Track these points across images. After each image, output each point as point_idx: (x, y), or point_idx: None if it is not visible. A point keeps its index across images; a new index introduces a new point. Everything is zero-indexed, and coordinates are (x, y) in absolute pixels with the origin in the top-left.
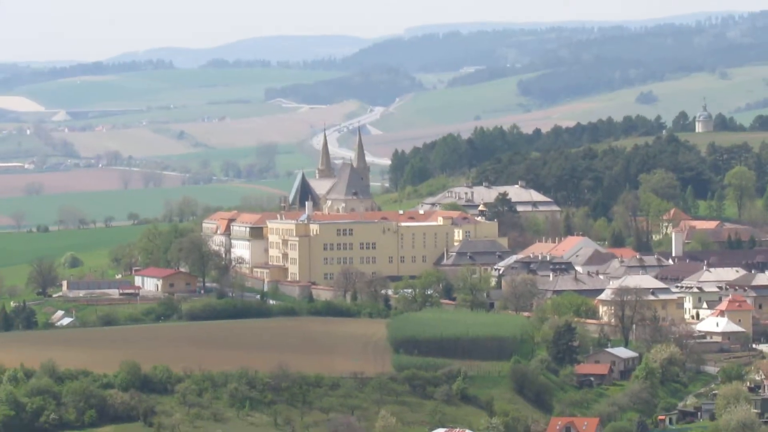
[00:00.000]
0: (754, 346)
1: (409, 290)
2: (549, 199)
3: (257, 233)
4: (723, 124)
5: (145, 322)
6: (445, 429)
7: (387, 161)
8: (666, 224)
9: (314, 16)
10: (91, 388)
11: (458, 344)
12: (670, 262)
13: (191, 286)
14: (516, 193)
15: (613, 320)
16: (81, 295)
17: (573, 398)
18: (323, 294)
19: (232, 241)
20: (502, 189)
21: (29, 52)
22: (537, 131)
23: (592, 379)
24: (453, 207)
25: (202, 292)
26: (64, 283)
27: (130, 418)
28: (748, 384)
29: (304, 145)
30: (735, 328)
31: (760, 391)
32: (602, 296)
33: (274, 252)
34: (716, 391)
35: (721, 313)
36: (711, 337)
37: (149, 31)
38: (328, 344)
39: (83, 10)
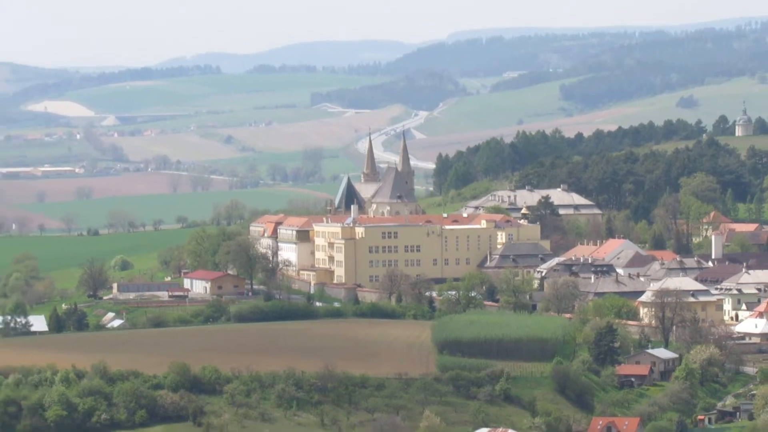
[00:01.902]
0: None
1: (453, 292)
2: (591, 203)
3: (303, 236)
4: (763, 127)
5: (194, 324)
6: (488, 429)
7: (431, 165)
8: (706, 227)
9: (359, 21)
10: (141, 389)
11: (501, 345)
12: (710, 264)
13: (239, 289)
14: (558, 196)
15: (653, 322)
16: (131, 297)
17: (614, 398)
18: (368, 296)
19: (279, 243)
20: (544, 192)
21: (78, 58)
22: (579, 135)
23: (632, 379)
24: (496, 210)
25: (250, 294)
26: (115, 285)
27: (180, 418)
28: None
29: (350, 149)
30: None
31: None
32: (643, 298)
33: (320, 255)
34: (755, 392)
35: (760, 315)
36: (750, 338)
37: (197, 36)
38: (373, 346)
39: (132, 16)
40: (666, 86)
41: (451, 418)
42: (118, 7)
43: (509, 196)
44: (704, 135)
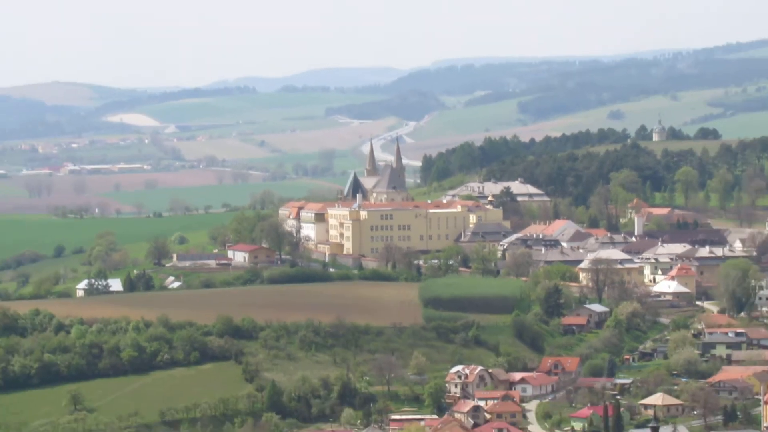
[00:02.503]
0: (697, 303)
1: (436, 261)
2: (541, 192)
3: (320, 218)
4: (674, 134)
5: (236, 285)
6: (462, 366)
7: (418, 163)
8: (630, 210)
9: (363, 51)
10: (195, 335)
11: (472, 302)
12: (633, 239)
13: (270, 258)
14: (516, 187)
15: (590, 283)
16: (187, 264)
17: (559, 342)
18: (370, 264)
19: (301, 223)
20: (506, 184)
21: (145, 79)
22: (532, 140)
23: (574, 328)
24: (468, 198)
25: (279, 262)
26: (174, 255)
27: (225, 358)
28: (692, 332)
29: (355, 151)
30: (682, 289)
31: (701, 337)
32: (582, 265)
33: (333, 232)
34: (668, 337)
35: (672, 278)
36: (664, 296)
37: (237, 62)
38: (374, 302)
39: (185, 44)
40: (599, 102)
41: (434, 358)
42: (174, 36)
43: (478, 187)
44: (628, 140)
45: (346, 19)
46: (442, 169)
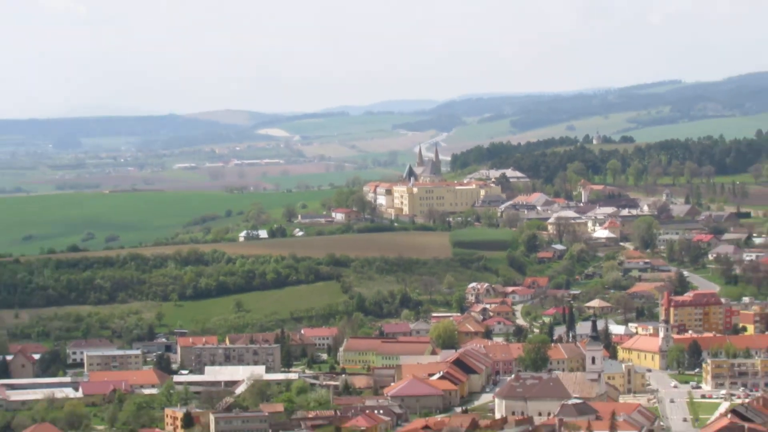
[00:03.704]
0: (620, 243)
1: (460, 218)
2: (524, 175)
3: (389, 192)
4: (605, 140)
5: (336, 233)
6: (476, 282)
7: (449, 158)
8: (579, 187)
9: (414, 89)
10: (311, 264)
11: (483, 243)
12: (581, 204)
13: (358, 217)
14: (509, 173)
15: (554, 232)
16: (307, 221)
17: (536, 268)
18: (419, 220)
19: (377, 195)
20: (502, 171)
21: (282, 106)
22: (519, 144)
23: (545, 259)
24: (479, 179)
25: (363, 219)
26: (299, 215)
27: (330, 278)
28: (617, 261)
29: (410, 151)
30: (611, 235)
31: (622, 264)
32: (549, 221)
33: (396, 201)
34: (602, 265)
35: (605, 228)
36: (600, 240)
37: (336, 94)
38: (422, 244)
39: (306, 83)
40: (560, 120)
41: (459, 278)
42: (300, 76)
43: (486, 174)
44: (578, 143)
45: (403, 66)
46: (463, 162)
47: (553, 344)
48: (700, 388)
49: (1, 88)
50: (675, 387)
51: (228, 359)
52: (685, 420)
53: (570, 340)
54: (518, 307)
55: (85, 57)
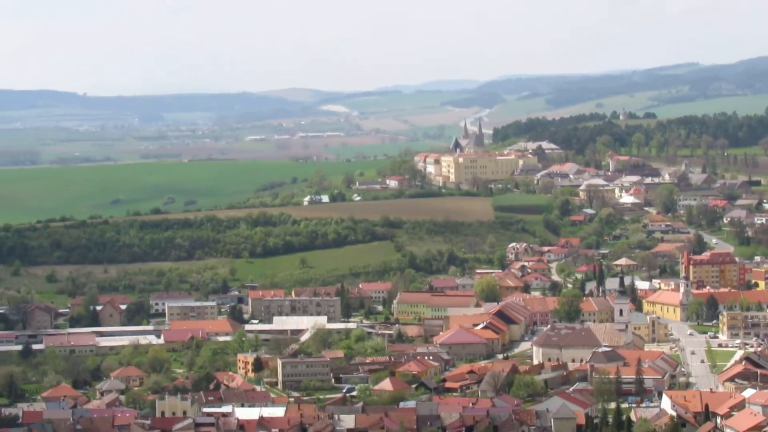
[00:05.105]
0: (645, 208)
1: (500, 185)
2: (558, 147)
3: (437, 161)
4: (630, 116)
5: (390, 198)
6: (515, 242)
7: (491, 132)
8: (607, 158)
9: (461, 69)
10: (368, 226)
11: (521, 207)
12: (609, 173)
13: (410, 183)
14: (545, 145)
15: (585, 198)
16: (364, 187)
17: (569, 230)
18: (464, 186)
19: (426, 165)
20: (539, 143)
21: (343, 84)
22: (554, 119)
23: (577, 222)
24: (518, 150)
25: (414, 186)
26: (357, 182)
27: (385, 239)
28: (642, 224)
29: (457, 125)
30: (636, 201)
31: (647, 227)
32: (581, 188)
33: (444, 169)
34: (628, 227)
35: (631, 195)
36: (626, 205)
37: (391, 73)
38: (467, 208)
39: (365, 64)
40: (590, 98)
41: (500, 239)
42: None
43: (524, 146)
44: (606, 119)
45: (449, 50)
46: (503, 135)
47: (584, 298)
48: (716, 337)
49: (94, 71)
50: (691, 335)
51: (294, 310)
52: (702, 362)
53: (600, 294)
54: (553, 265)
55: (169, 42)
